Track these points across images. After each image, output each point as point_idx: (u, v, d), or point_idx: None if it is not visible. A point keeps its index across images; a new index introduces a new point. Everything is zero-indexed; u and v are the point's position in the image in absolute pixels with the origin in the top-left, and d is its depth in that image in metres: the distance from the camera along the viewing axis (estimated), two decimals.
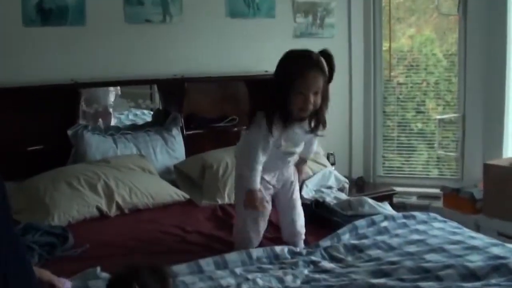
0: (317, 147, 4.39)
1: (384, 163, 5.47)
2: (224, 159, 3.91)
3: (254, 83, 4.52)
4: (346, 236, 2.93)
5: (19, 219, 3.10)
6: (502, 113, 4.77)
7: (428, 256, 2.63)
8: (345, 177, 4.44)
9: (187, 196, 3.74)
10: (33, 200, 3.34)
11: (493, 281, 2.35)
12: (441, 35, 5.33)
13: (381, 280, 2.40)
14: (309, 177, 4.04)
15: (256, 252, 2.70)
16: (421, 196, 5.20)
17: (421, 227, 3.05)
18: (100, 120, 4.39)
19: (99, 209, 3.40)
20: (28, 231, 2.89)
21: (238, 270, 2.56)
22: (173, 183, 3.89)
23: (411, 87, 5.38)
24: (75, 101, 4.09)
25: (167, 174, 4.05)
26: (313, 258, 2.68)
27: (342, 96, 5.22)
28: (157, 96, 4.66)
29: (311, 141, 2.98)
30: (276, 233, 3.08)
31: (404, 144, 5.45)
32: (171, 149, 4.20)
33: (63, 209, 3.28)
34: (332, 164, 4.66)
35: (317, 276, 2.53)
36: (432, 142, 5.32)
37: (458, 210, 4.55)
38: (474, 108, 4.96)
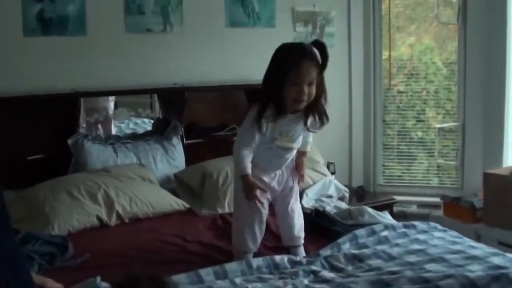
0: (317, 156, 4.42)
1: (384, 172, 5.47)
2: (224, 168, 3.91)
3: (254, 92, 4.50)
4: (346, 246, 2.93)
5: (19, 228, 3.09)
6: (502, 122, 4.78)
7: (429, 266, 2.62)
8: (345, 186, 4.44)
9: (187, 205, 3.74)
10: (33, 209, 3.34)
11: None
12: (440, 44, 5.35)
13: None
14: (309, 186, 4.04)
15: (256, 262, 2.69)
16: (421, 205, 5.20)
17: (421, 236, 3.04)
18: (100, 128, 4.39)
19: (99, 218, 3.40)
20: (28, 241, 2.89)
21: (238, 280, 2.56)
22: (173, 192, 3.89)
23: (411, 95, 5.39)
24: (76, 111, 4.08)
25: (167, 183, 4.05)
26: (313, 267, 2.67)
27: (342, 104, 5.23)
28: (157, 105, 4.67)
29: (308, 134, 2.95)
30: (276, 242, 3.08)
31: (404, 152, 5.46)
32: (171, 158, 4.20)
33: (63, 219, 3.27)
34: (332, 173, 4.66)
35: (317, 286, 2.52)
36: (432, 151, 5.32)
37: (458, 219, 4.55)
38: (474, 117, 4.97)
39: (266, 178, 2.87)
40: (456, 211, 4.63)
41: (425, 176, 5.43)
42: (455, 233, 3.13)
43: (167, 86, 4.34)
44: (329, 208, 3.68)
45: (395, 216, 4.08)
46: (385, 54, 5.34)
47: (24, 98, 3.80)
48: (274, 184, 2.90)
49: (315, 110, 2.75)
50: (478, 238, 4.24)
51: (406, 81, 5.41)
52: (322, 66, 2.68)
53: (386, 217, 3.43)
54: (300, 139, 2.87)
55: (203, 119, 4.58)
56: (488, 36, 4.80)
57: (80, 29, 4.06)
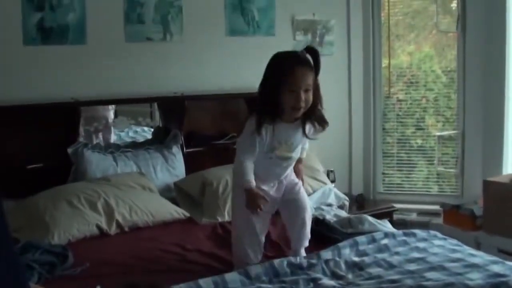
0: (317, 164, 4.42)
1: (384, 180, 5.47)
2: (224, 176, 3.91)
3: (254, 100, 4.50)
4: (346, 251, 2.92)
5: (19, 237, 3.09)
6: (502, 130, 4.79)
7: (429, 274, 2.62)
8: (345, 194, 4.44)
9: (187, 214, 3.74)
10: (33, 218, 3.34)
11: None
12: (440, 52, 5.36)
13: None
14: (309, 194, 4.04)
15: (255, 269, 2.67)
16: (421, 212, 5.20)
17: (421, 244, 3.05)
18: (100, 137, 4.40)
19: (99, 227, 3.40)
20: (28, 250, 2.88)
21: None
22: (173, 201, 3.89)
23: (411, 103, 5.39)
24: (76, 120, 4.09)
25: (167, 192, 4.05)
26: (313, 275, 2.67)
27: (341, 112, 5.24)
28: (157, 114, 4.67)
29: (304, 141, 2.94)
30: (276, 252, 3.07)
31: (404, 160, 5.46)
32: (171, 167, 4.21)
33: (63, 228, 3.27)
34: (332, 181, 4.66)
35: None
36: (432, 159, 5.33)
37: (458, 227, 4.55)
38: (473, 124, 4.97)
39: (265, 187, 2.86)
40: (456, 219, 4.63)
41: (425, 184, 5.43)
42: (455, 241, 3.14)
43: (167, 95, 4.35)
44: (329, 217, 3.68)
45: (395, 224, 4.08)
46: (384, 62, 5.35)
47: (24, 107, 3.80)
48: (272, 192, 2.89)
49: (313, 116, 2.75)
50: (478, 246, 4.24)
51: (406, 89, 5.41)
52: (316, 72, 2.68)
53: (386, 226, 3.43)
54: (299, 148, 2.86)
55: (203, 128, 4.58)
56: (487, 44, 4.81)
57: (80, 38, 4.07)
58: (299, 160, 3.00)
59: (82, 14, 4.06)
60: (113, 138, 4.49)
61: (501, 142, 4.80)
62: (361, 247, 2.99)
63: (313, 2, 5.02)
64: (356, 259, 2.85)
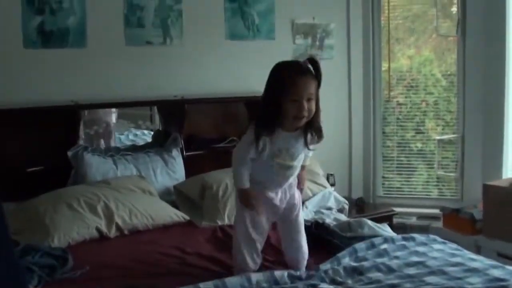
0: (317, 168, 4.42)
1: (384, 184, 5.47)
2: (224, 180, 3.91)
3: (254, 104, 4.52)
4: (346, 260, 2.92)
5: (19, 240, 3.09)
6: (501, 134, 4.79)
7: (428, 279, 2.62)
8: (345, 197, 4.44)
9: (187, 217, 3.74)
10: (33, 221, 3.34)
11: None
12: (440, 56, 5.37)
13: None
14: (309, 198, 4.05)
15: (256, 276, 2.67)
16: (421, 216, 5.20)
17: (420, 249, 3.04)
18: (101, 140, 4.40)
19: (99, 230, 3.40)
20: (28, 253, 2.89)
21: None
22: (173, 204, 3.89)
23: (411, 107, 5.40)
24: (76, 123, 4.09)
25: (167, 195, 4.05)
26: (312, 282, 2.67)
27: (341, 116, 5.25)
28: (157, 117, 4.67)
29: (305, 151, 2.91)
30: (277, 256, 3.06)
31: (403, 164, 5.46)
32: (171, 170, 4.21)
33: (63, 231, 3.27)
34: (332, 184, 4.66)
35: None
36: (432, 162, 5.33)
37: (458, 231, 4.55)
38: (473, 128, 4.97)
39: (270, 194, 2.85)
40: (456, 223, 4.63)
41: (425, 188, 5.43)
42: (454, 245, 3.13)
43: (167, 98, 4.36)
44: (329, 220, 3.68)
45: (394, 228, 4.08)
46: (384, 66, 5.36)
47: (24, 109, 3.81)
48: (276, 201, 2.88)
49: (313, 126, 2.75)
50: (478, 250, 4.25)
51: (406, 92, 5.42)
52: (317, 82, 2.69)
53: (385, 229, 3.43)
54: (301, 157, 2.84)
55: (203, 131, 4.59)
56: (487, 48, 4.81)
57: (80, 41, 4.08)
58: (302, 167, 3.00)
59: (82, 17, 4.07)
60: (114, 142, 4.49)
61: (501, 146, 4.80)
62: (360, 254, 2.99)
63: (313, 6, 5.03)
64: (355, 264, 2.85)
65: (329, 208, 4.10)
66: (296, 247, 2.95)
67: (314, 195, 4.14)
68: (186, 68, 4.48)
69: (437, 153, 5.26)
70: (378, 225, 3.46)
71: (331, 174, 4.84)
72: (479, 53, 4.87)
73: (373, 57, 5.31)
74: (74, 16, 4.04)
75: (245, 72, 4.68)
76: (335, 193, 4.30)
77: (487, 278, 2.59)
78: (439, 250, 3.04)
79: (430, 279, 2.62)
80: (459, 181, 5.18)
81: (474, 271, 2.68)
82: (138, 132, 4.72)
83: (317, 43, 5.04)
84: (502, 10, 4.69)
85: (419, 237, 3.22)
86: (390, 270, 2.76)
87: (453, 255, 2.94)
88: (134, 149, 4.35)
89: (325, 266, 2.85)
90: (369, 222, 3.45)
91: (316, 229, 3.34)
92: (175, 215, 3.72)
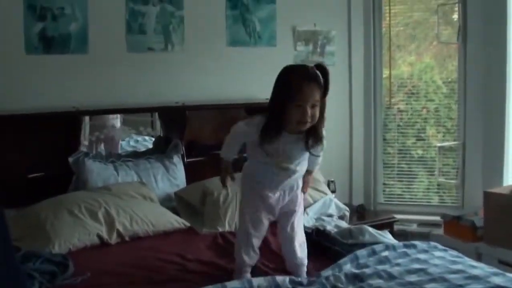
0: (318, 175, 4.42)
1: (384, 190, 5.47)
2: None
3: (255, 110, 4.52)
4: (347, 266, 2.92)
5: (20, 246, 3.09)
6: (502, 141, 4.79)
7: (429, 286, 2.61)
8: (346, 204, 4.44)
9: (188, 224, 3.73)
10: (34, 228, 3.34)
11: None
12: (441, 63, 5.37)
13: None
14: (310, 204, 4.04)
15: (258, 281, 2.67)
16: (421, 223, 5.20)
17: (421, 256, 3.04)
18: (103, 146, 4.40)
19: (99, 236, 3.39)
20: (29, 259, 2.89)
21: None
22: (174, 210, 3.89)
23: (411, 114, 5.40)
24: (77, 129, 4.10)
25: (167, 201, 4.05)
26: (314, 287, 2.67)
27: (342, 123, 5.25)
28: (158, 124, 4.68)
29: (316, 155, 2.93)
30: (278, 264, 3.06)
31: (404, 171, 5.46)
32: (172, 177, 4.21)
33: (64, 237, 3.27)
34: (333, 191, 4.66)
35: None
36: (433, 169, 5.33)
37: (459, 238, 4.55)
38: (474, 135, 4.98)
39: (268, 192, 2.87)
40: (457, 230, 4.63)
41: (425, 194, 5.43)
42: (455, 253, 3.13)
43: (168, 105, 4.36)
44: (330, 227, 3.68)
45: (395, 235, 4.08)
46: (385, 72, 5.36)
47: (25, 115, 3.81)
48: (272, 201, 2.89)
49: (315, 133, 2.76)
50: (479, 257, 4.24)
51: (407, 99, 5.42)
52: (324, 91, 2.69)
53: (386, 236, 3.43)
54: (303, 163, 2.86)
55: (204, 138, 4.59)
56: (488, 55, 4.82)
57: (82, 47, 4.09)
58: (309, 172, 3.02)
59: (84, 23, 4.08)
60: (117, 148, 4.49)
61: (502, 153, 4.80)
62: (361, 261, 2.99)
63: (314, 12, 5.04)
64: (356, 271, 2.84)
65: (330, 215, 4.10)
66: (293, 253, 2.97)
67: (315, 202, 4.14)
68: (188, 74, 4.49)
69: (438, 160, 5.26)
70: (379, 232, 3.46)
71: (332, 181, 4.84)
72: (480, 60, 4.88)
73: (374, 64, 5.32)
74: (76, 22, 4.05)
75: (246, 78, 4.69)
76: (336, 200, 4.30)
77: (488, 285, 2.59)
78: (440, 257, 3.03)
79: (431, 286, 2.61)
80: (460, 188, 5.18)
81: (475, 278, 2.68)
82: (139, 138, 4.72)
83: (318, 49, 5.04)
84: (502, 17, 4.70)
85: (420, 244, 3.22)
86: (391, 277, 2.76)
87: (454, 262, 2.94)
88: (135, 155, 4.35)
89: (327, 272, 2.84)
90: (370, 229, 3.45)
91: (317, 236, 3.34)
92: (176, 221, 3.72)
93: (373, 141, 5.38)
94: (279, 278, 2.74)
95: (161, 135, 4.62)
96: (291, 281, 2.73)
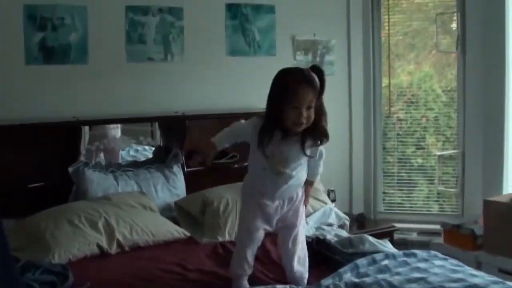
0: (318, 184, 4.41)
1: (384, 199, 5.47)
2: (225, 196, 3.91)
3: None
4: (347, 275, 2.92)
5: (20, 256, 3.07)
6: (502, 149, 4.80)
7: None
8: (346, 213, 4.44)
9: (188, 234, 3.73)
10: (34, 237, 3.33)
11: None
12: (440, 71, 5.38)
13: None
14: (310, 214, 4.04)
15: None
16: (421, 232, 5.20)
17: (422, 265, 3.03)
18: (102, 156, 4.40)
19: (99, 246, 3.39)
20: (28, 269, 2.88)
21: None
22: (174, 220, 3.89)
23: (411, 122, 5.41)
24: (77, 138, 4.10)
25: (167, 211, 4.05)
26: None
27: (342, 132, 5.25)
28: (158, 133, 4.68)
29: (316, 164, 2.95)
30: (279, 274, 3.05)
31: (404, 179, 5.47)
32: (172, 186, 4.21)
33: (64, 247, 3.26)
34: (333, 200, 4.66)
35: None
36: (432, 178, 5.33)
37: (458, 247, 4.54)
38: (473, 144, 4.98)
39: (266, 200, 2.86)
40: (457, 239, 4.62)
41: (425, 203, 5.43)
42: (455, 261, 3.13)
43: (168, 114, 4.37)
44: (330, 236, 3.67)
45: (395, 243, 4.07)
46: (384, 81, 5.38)
47: (25, 125, 3.82)
48: (271, 209, 2.88)
49: (314, 133, 2.77)
50: (478, 266, 4.23)
51: (406, 108, 5.43)
52: (320, 91, 2.71)
53: (386, 246, 3.42)
54: (300, 168, 2.85)
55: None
56: (487, 64, 4.83)
57: (82, 57, 4.10)
58: (310, 183, 3.02)
59: (84, 34, 4.09)
60: (117, 158, 4.50)
61: (501, 161, 4.81)
62: (361, 270, 2.98)
63: (313, 22, 5.05)
64: (356, 280, 2.84)
65: (330, 224, 4.09)
66: (293, 267, 2.96)
67: (315, 211, 4.14)
68: (187, 84, 4.50)
69: (437, 168, 5.26)
70: (379, 241, 3.45)
71: (332, 190, 4.85)
72: (479, 69, 4.89)
73: (374, 73, 5.34)
74: (75, 32, 4.07)
75: (246, 88, 4.69)
76: (336, 209, 4.30)
77: None
78: (440, 266, 3.03)
79: None
80: (459, 196, 5.18)
81: (475, 287, 2.67)
82: (139, 148, 4.73)
83: (318, 59, 5.05)
84: (501, 26, 4.71)
85: (420, 253, 3.22)
86: (391, 286, 2.75)
87: (454, 271, 2.93)
88: (135, 165, 4.35)
89: (327, 281, 2.84)
90: (370, 238, 3.44)
91: (317, 245, 3.34)
92: (176, 231, 3.71)
93: (372, 150, 5.39)
94: (280, 287, 2.74)
95: (161, 144, 4.63)
96: None
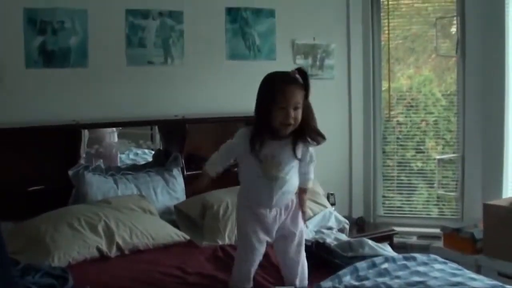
0: (317, 187, 4.42)
1: (384, 203, 5.47)
2: (224, 199, 3.92)
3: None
4: (347, 278, 2.91)
5: (19, 259, 3.07)
6: (501, 153, 4.81)
7: None
8: (345, 217, 4.44)
9: (188, 237, 3.73)
10: (34, 241, 3.33)
11: None
12: (439, 75, 5.39)
13: None
14: (309, 217, 4.04)
15: None
16: (421, 236, 5.20)
17: (421, 268, 3.03)
18: (102, 159, 4.40)
19: (99, 249, 3.39)
20: (28, 272, 2.88)
21: None
22: (174, 224, 3.89)
23: (411, 126, 5.42)
24: (77, 142, 4.10)
25: (167, 215, 4.05)
26: None
27: (342, 135, 5.25)
28: (158, 137, 4.69)
29: (306, 170, 2.95)
30: (279, 279, 3.05)
31: (404, 183, 5.47)
32: (172, 190, 4.21)
33: (63, 250, 3.26)
34: (332, 204, 4.66)
35: None
36: (432, 182, 5.34)
37: (458, 250, 4.54)
38: (473, 147, 4.99)
39: (261, 210, 2.86)
40: (456, 242, 4.62)
41: (425, 207, 5.43)
42: (455, 265, 3.13)
43: (168, 118, 4.37)
44: (329, 240, 3.68)
45: (395, 247, 4.08)
46: (384, 85, 5.38)
47: (25, 129, 3.82)
48: (269, 219, 2.87)
49: (305, 134, 2.78)
50: (478, 269, 4.24)
51: (406, 112, 5.44)
52: (306, 92, 2.74)
53: (386, 249, 3.42)
54: (292, 171, 2.85)
55: (204, 151, 4.58)
56: (487, 68, 4.85)
57: (82, 61, 4.11)
58: (303, 190, 3.00)
59: (84, 37, 4.10)
60: (116, 161, 4.50)
61: (501, 165, 4.82)
62: (361, 273, 2.98)
63: (313, 26, 5.06)
64: (356, 283, 2.84)
65: (330, 228, 4.10)
66: (294, 276, 2.95)
67: (314, 214, 4.14)
68: (187, 88, 4.50)
69: (437, 172, 5.26)
70: (379, 244, 3.46)
71: (332, 194, 4.85)
72: (478, 72, 4.90)
73: (373, 77, 5.34)
74: (75, 36, 4.07)
75: (246, 92, 4.64)
76: (335, 213, 4.30)
77: None
78: (440, 269, 3.03)
79: None
80: (459, 200, 5.18)
81: None
82: (139, 151, 4.73)
83: (318, 63, 5.06)
84: (501, 30, 4.72)
85: (420, 256, 3.22)
86: None
87: (454, 274, 2.93)
88: (135, 168, 4.36)
89: (326, 284, 2.84)
90: (370, 242, 3.44)
91: (316, 249, 3.34)
92: (176, 234, 3.71)
93: (372, 154, 5.39)
94: None
95: (161, 148, 4.63)
96: None
